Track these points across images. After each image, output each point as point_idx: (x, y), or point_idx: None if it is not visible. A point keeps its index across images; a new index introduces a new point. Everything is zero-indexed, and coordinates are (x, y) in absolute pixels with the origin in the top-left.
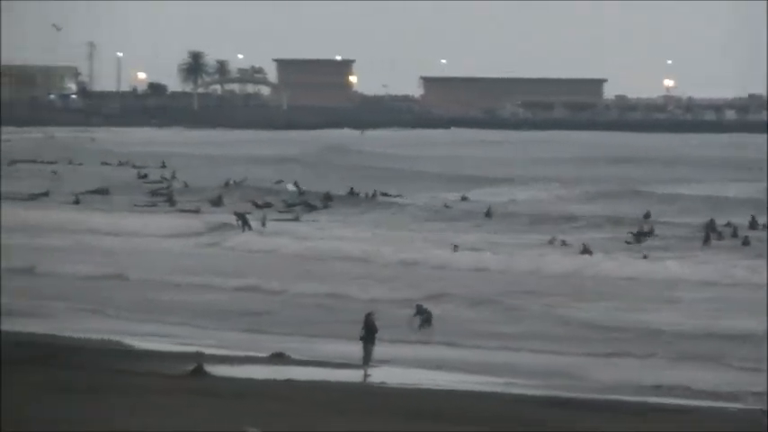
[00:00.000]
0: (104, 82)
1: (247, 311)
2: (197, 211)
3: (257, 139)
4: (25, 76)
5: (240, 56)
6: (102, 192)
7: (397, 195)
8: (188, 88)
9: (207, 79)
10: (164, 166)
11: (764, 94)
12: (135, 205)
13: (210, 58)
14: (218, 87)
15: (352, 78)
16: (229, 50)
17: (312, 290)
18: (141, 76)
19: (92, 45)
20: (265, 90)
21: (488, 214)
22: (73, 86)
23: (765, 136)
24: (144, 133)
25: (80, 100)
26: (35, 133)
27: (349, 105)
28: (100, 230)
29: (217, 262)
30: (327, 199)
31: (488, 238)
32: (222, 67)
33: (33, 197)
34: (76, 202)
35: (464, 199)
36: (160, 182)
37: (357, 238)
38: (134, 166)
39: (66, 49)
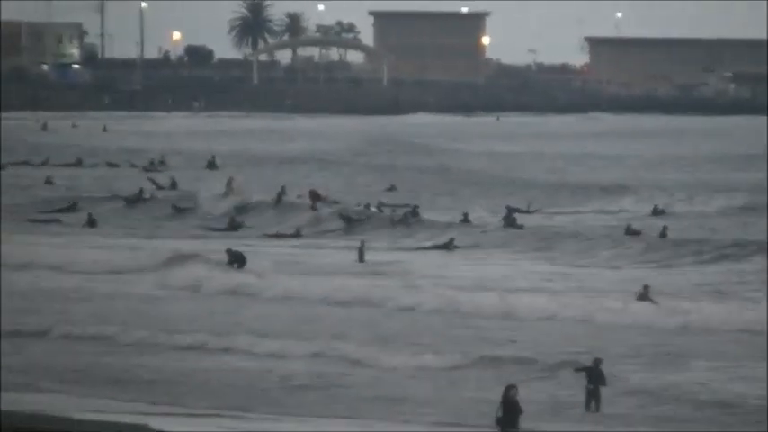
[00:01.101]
0: (122, 45)
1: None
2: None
3: (343, 131)
4: (5, 38)
5: (321, 6)
6: (70, 208)
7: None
8: (244, 54)
9: (272, 42)
10: (213, 166)
11: None
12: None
13: (277, 11)
14: (287, 53)
15: (485, 40)
16: None
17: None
18: (176, 36)
19: None
20: (357, 57)
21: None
22: (76, 52)
23: None
24: (179, 121)
25: (86, 71)
26: (23, 120)
27: (478, 80)
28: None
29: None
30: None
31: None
32: (294, 23)
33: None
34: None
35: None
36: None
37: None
38: (145, 169)
39: None
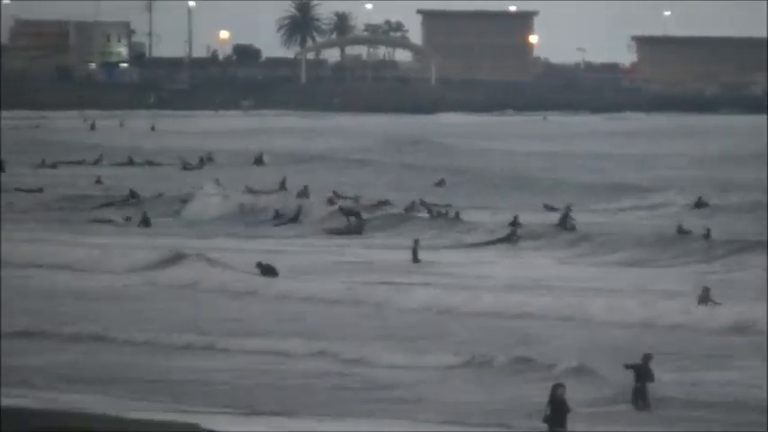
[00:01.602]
0: (170, 44)
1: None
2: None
3: (392, 131)
4: (53, 37)
5: (369, 5)
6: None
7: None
8: (292, 53)
9: (320, 40)
10: (261, 162)
11: None
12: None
13: (326, 10)
14: (335, 52)
15: (533, 39)
16: None
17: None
18: (224, 35)
19: None
20: (405, 56)
21: None
22: (123, 51)
23: None
24: (227, 119)
25: (134, 70)
26: (71, 119)
27: (526, 79)
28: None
29: None
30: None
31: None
32: (342, 22)
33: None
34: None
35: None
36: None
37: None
38: (185, 167)
39: None
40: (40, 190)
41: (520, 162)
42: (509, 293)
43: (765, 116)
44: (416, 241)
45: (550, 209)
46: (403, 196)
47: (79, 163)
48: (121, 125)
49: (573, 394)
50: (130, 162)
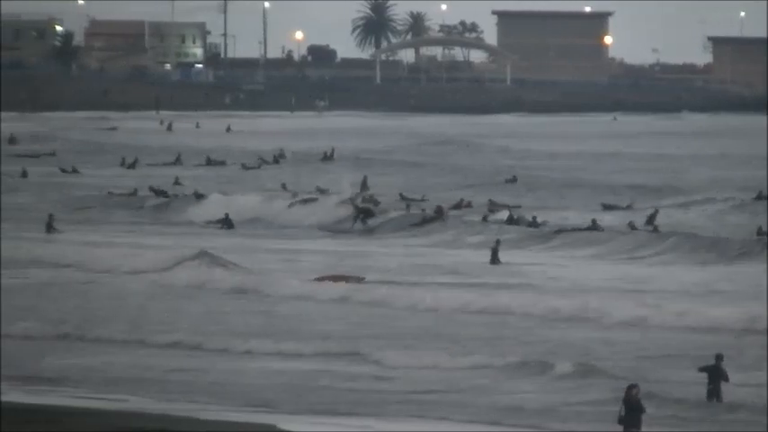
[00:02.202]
0: (244, 45)
1: None
2: None
3: (465, 132)
4: (129, 38)
5: (444, 6)
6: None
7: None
8: (367, 54)
9: (395, 41)
10: (329, 158)
11: None
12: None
13: (401, 10)
14: (410, 52)
15: (607, 40)
16: None
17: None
18: (298, 35)
19: None
20: (480, 57)
21: None
22: (198, 52)
23: None
24: (301, 120)
25: (209, 71)
26: (147, 120)
27: (601, 80)
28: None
29: None
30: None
31: None
32: (417, 23)
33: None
34: None
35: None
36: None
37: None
38: (245, 167)
39: None
40: (134, 192)
41: (571, 161)
42: (619, 298)
43: None
44: (497, 242)
45: (609, 207)
46: (472, 194)
47: (165, 164)
48: (198, 126)
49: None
50: (209, 162)
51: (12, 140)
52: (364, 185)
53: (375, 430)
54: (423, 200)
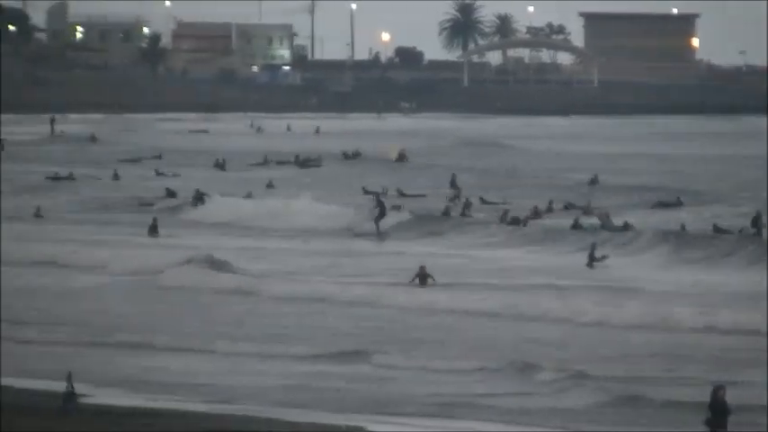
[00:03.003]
0: (331, 47)
1: None
2: None
3: (545, 133)
4: (216, 40)
5: (531, 8)
6: None
7: None
8: (454, 56)
9: (482, 43)
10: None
11: None
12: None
13: (488, 12)
14: (497, 54)
15: (695, 42)
16: (515, 1)
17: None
18: (385, 37)
19: None
20: (568, 59)
21: None
22: (286, 54)
23: None
24: (388, 122)
25: (296, 73)
26: (236, 121)
27: (689, 82)
28: None
29: None
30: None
31: None
32: (504, 24)
33: None
34: None
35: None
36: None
37: None
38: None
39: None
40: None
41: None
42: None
43: None
44: (593, 245)
45: (664, 205)
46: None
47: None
48: (289, 129)
49: None
50: (302, 164)
51: (92, 139)
52: (453, 184)
53: (449, 430)
54: (504, 203)
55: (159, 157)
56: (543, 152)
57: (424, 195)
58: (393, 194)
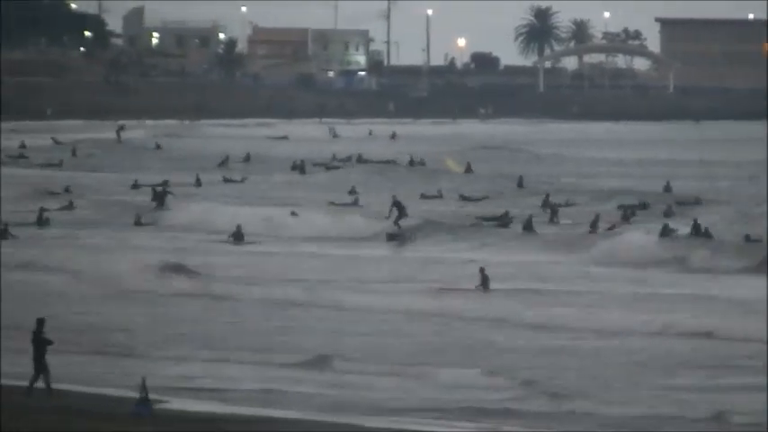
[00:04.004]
0: (407, 52)
1: None
2: None
3: (620, 138)
4: (293, 45)
5: (607, 14)
6: None
7: None
8: (530, 61)
9: (558, 49)
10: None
11: None
12: None
13: (564, 17)
14: (573, 60)
15: None
16: (591, 6)
17: None
18: (461, 42)
19: None
20: (644, 64)
21: None
22: (362, 59)
23: None
24: (464, 127)
25: (372, 78)
26: (313, 126)
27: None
28: None
29: None
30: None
31: None
32: (580, 30)
33: None
34: None
35: None
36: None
37: None
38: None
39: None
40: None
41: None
42: None
43: None
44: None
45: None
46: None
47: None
48: (371, 134)
49: None
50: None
51: (158, 147)
52: (520, 185)
53: (501, 430)
54: (567, 204)
55: (247, 159)
56: (610, 159)
57: (486, 198)
58: (454, 198)
